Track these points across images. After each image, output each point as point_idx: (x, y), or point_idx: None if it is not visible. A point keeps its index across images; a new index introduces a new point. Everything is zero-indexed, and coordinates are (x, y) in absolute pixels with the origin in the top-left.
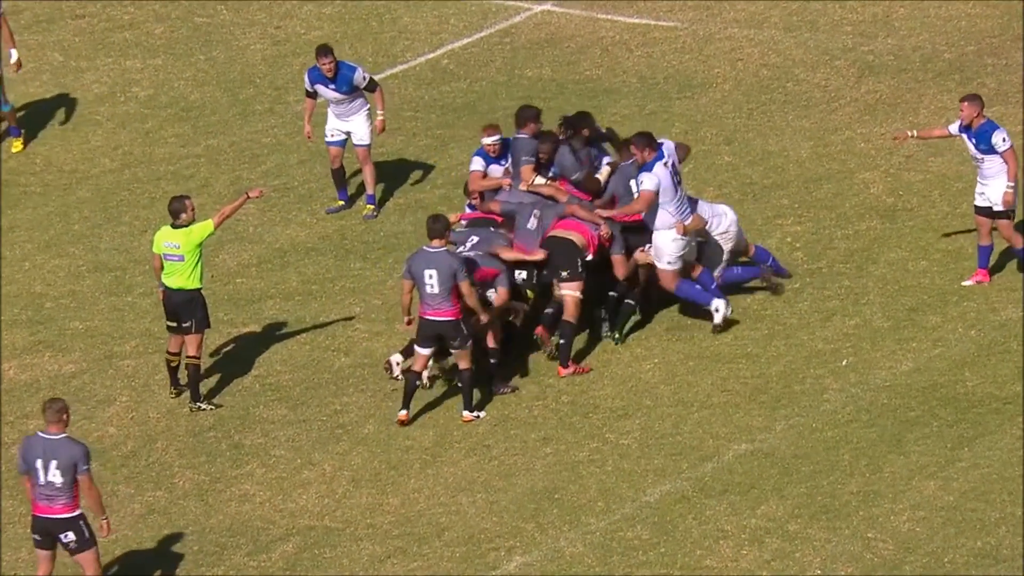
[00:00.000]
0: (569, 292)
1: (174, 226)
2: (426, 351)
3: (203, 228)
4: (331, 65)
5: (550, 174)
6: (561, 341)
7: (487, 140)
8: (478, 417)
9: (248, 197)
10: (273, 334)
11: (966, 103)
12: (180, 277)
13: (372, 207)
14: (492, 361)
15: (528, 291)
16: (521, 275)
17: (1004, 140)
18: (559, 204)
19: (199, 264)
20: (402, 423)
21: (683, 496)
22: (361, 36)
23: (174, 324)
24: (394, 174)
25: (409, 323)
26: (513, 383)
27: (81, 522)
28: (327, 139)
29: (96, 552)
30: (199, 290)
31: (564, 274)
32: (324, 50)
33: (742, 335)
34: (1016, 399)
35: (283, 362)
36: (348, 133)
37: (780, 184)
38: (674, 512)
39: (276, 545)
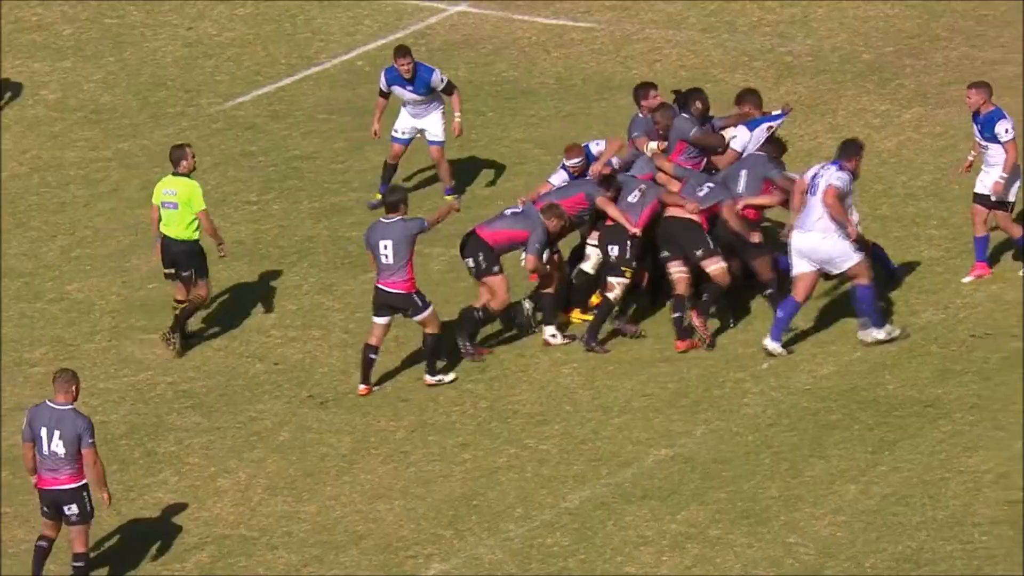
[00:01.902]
0: (715, 266)
1: (175, 174)
2: (380, 320)
3: (197, 199)
4: (409, 66)
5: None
6: (711, 308)
7: (569, 163)
8: (440, 382)
9: (222, 249)
10: (186, 340)
11: (972, 90)
12: (177, 227)
13: (453, 196)
14: (479, 316)
15: (623, 268)
16: (613, 250)
17: (1007, 131)
18: (660, 187)
19: (194, 218)
20: (363, 395)
21: (603, 502)
22: (274, 38)
23: (171, 271)
24: (308, 178)
25: None
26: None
27: (84, 493)
28: (393, 134)
29: (89, 527)
30: (197, 241)
31: (699, 253)
32: (403, 51)
33: (662, 339)
34: (936, 402)
35: (196, 369)
36: (420, 131)
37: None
38: (594, 518)
39: (190, 554)
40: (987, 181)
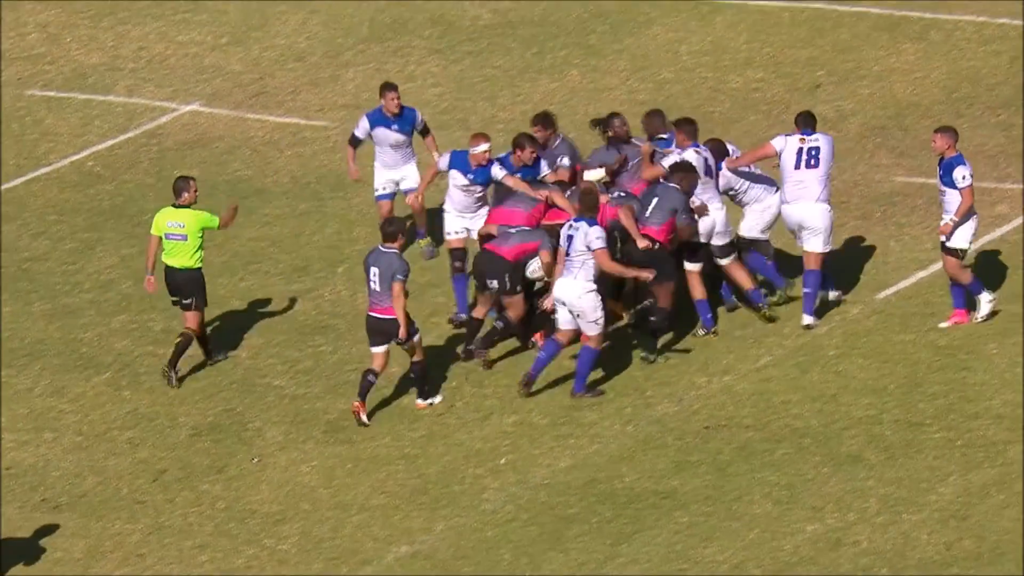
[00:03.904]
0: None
1: (176, 205)
2: (377, 350)
3: (209, 219)
4: (398, 100)
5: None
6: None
7: (476, 150)
8: (431, 404)
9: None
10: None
11: (938, 135)
12: (183, 256)
13: (428, 240)
14: (498, 325)
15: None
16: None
17: (964, 178)
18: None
19: (201, 247)
20: (355, 412)
21: None
22: (2, 138)
23: (178, 298)
24: (39, 279)
25: None
26: (485, 358)
27: None
28: (377, 193)
29: None
30: (200, 270)
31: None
32: (391, 85)
33: (400, 436)
34: (673, 494)
35: None
36: (397, 183)
37: (436, 282)
38: None
39: None
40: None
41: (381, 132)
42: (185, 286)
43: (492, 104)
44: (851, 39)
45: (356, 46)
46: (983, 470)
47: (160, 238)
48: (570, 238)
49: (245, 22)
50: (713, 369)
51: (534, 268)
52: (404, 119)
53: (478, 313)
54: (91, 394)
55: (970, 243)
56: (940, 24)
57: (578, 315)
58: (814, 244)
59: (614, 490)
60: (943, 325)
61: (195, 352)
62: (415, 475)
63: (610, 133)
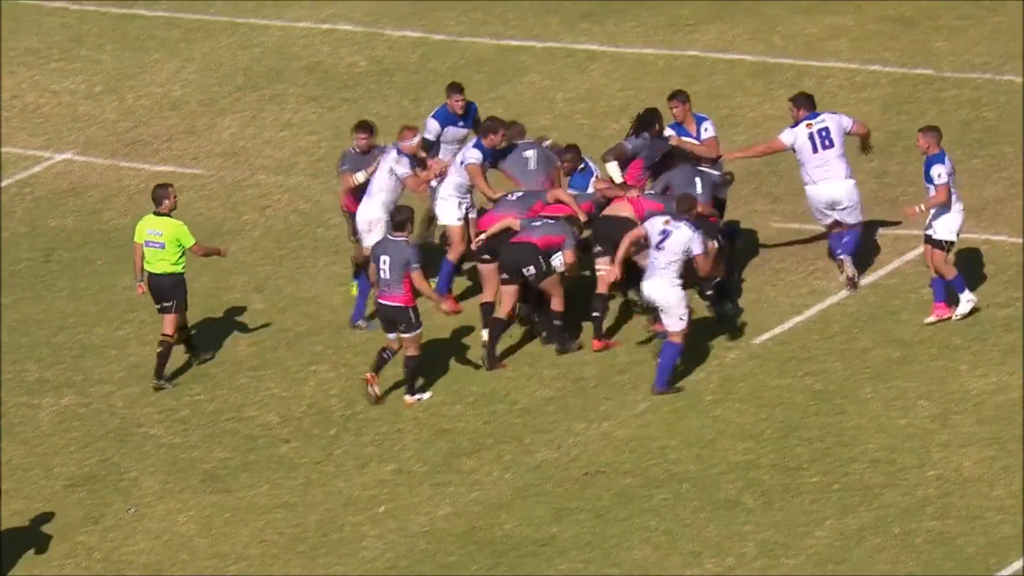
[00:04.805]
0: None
1: (157, 213)
2: (392, 336)
3: (185, 236)
4: (464, 101)
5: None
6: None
7: (404, 144)
8: (420, 400)
9: (221, 254)
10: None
11: (921, 134)
12: (164, 263)
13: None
14: (556, 323)
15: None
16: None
17: (939, 176)
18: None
19: (182, 254)
20: (366, 381)
21: None
22: None
23: (166, 305)
24: None
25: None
26: (578, 341)
27: None
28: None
29: None
30: (182, 274)
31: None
32: (457, 87)
33: (278, 484)
34: (552, 541)
35: None
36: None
37: (314, 330)
38: None
39: None
40: (934, 223)
41: (452, 131)
42: (167, 290)
43: None
44: (725, 86)
45: (232, 94)
46: (859, 514)
47: (142, 245)
48: (666, 234)
49: (119, 71)
50: (592, 415)
51: (560, 262)
52: (468, 116)
53: (501, 312)
54: None
55: (956, 235)
56: (812, 71)
57: (663, 311)
58: (850, 218)
59: (493, 538)
60: (928, 320)
61: (70, 401)
62: (294, 523)
63: (657, 127)
